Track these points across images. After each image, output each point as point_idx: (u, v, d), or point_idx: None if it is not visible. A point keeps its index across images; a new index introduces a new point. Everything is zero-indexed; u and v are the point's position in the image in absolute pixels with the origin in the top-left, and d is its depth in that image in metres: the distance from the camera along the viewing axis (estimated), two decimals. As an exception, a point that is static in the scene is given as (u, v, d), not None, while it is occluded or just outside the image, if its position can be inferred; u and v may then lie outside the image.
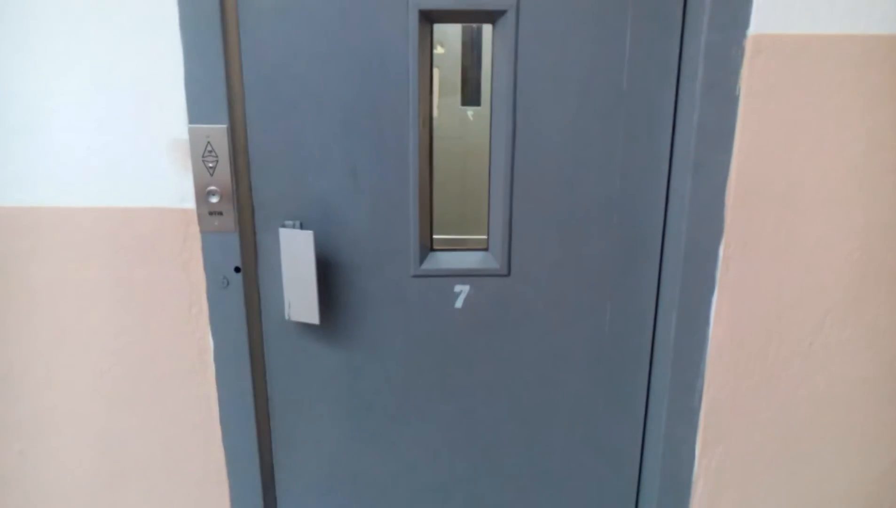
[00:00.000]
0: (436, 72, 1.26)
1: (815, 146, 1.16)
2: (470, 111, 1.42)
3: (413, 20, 1.15)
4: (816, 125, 1.15)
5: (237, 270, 1.25)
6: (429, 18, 1.19)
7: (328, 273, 1.29)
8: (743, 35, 1.09)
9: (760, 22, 1.09)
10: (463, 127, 1.41)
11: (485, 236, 1.29)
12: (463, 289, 1.28)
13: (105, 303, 1.30)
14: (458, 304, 1.29)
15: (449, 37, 1.29)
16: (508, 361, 1.32)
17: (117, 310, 1.30)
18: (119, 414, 1.36)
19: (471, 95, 1.40)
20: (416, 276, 1.28)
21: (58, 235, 1.26)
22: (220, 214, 1.22)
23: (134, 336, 1.31)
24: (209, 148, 1.19)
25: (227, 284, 1.25)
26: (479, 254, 1.28)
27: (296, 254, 1.22)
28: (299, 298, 1.25)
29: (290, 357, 1.34)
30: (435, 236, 1.31)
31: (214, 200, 1.21)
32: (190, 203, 1.23)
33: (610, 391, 1.34)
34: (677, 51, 1.17)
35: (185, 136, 1.19)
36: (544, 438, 1.37)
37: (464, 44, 1.33)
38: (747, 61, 1.11)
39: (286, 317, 1.27)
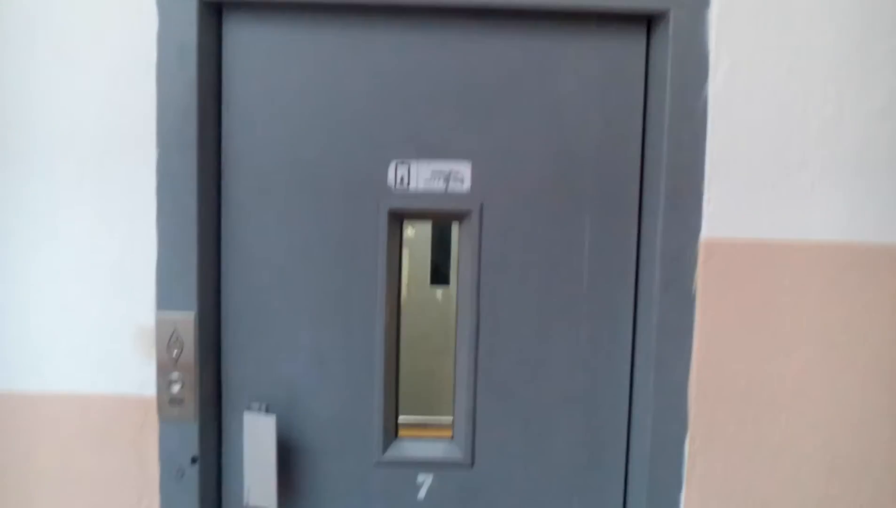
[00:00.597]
0: (405, 253, 1.30)
1: (771, 342, 1.19)
2: (439, 291, 1.46)
3: (383, 219, 1.21)
4: (771, 323, 1.19)
5: (193, 460, 1.21)
6: (398, 217, 1.24)
7: (291, 457, 1.26)
8: (696, 240, 1.15)
9: (711, 228, 1.16)
10: (431, 305, 1.44)
11: (451, 418, 1.27)
12: (426, 479, 1.25)
13: (50, 493, 1.23)
14: (421, 495, 1.25)
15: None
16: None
17: (62, 502, 1.24)
18: None
19: (440, 275, 1.44)
20: (379, 464, 1.25)
21: (9, 421, 1.22)
22: (181, 401, 1.20)
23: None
24: (175, 336, 1.19)
25: (182, 475, 1.21)
26: (443, 443, 1.26)
27: (258, 438, 1.20)
28: (259, 482, 1.20)
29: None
30: (401, 417, 1.29)
31: (176, 388, 1.20)
32: (150, 391, 1.21)
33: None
34: (634, 252, 1.23)
35: (152, 323, 1.20)
36: None
37: (433, 228, 1.39)
38: (701, 264, 1.16)
39: (245, 503, 1.21)
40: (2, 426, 1.22)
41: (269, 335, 1.24)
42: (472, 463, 1.25)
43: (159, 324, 1.18)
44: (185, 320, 1.18)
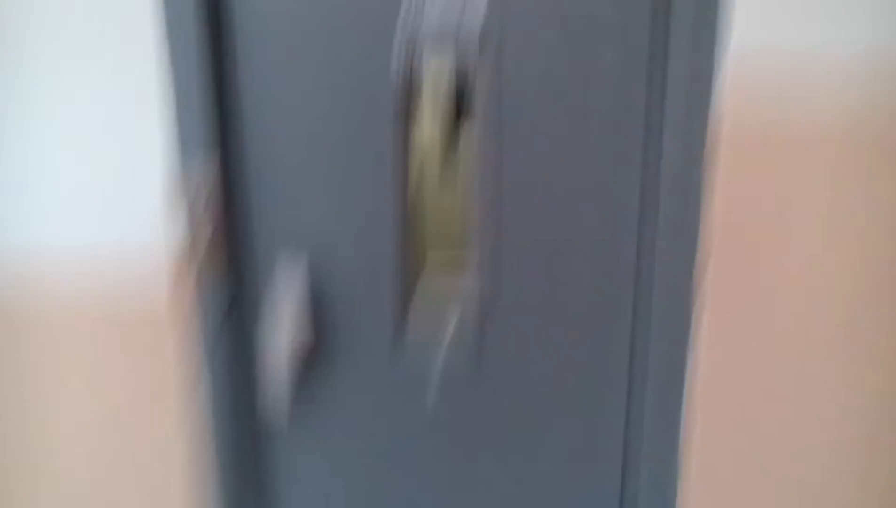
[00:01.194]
0: (426, 89, 1.26)
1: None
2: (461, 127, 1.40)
3: (400, 53, 1.18)
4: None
5: (228, 312, 1.24)
6: (414, 50, 1.20)
7: (323, 302, 1.29)
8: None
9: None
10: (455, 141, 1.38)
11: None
12: (453, 314, 1.29)
13: (89, 346, 1.28)
14: (448, 331, 1.29)
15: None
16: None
17: (100, 355, 1.29)
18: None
19: (461, 111, 1.39)
20: (406, 306, 1.29)
21: (38, 277, 1.25)
22: (209, 253, 1.22)
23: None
24: (200, 188, 1.19)
25: (218, 326, 1.25)
26: (467, 278, 1.29)
27: (290, 285, 1.24)
28: (293, 327, 1.24)
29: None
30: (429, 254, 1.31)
31: (203, 241, 1.21)
32: (178, 244, 1.22)
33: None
34: (661, 84, 1.19)
35: (177, 176, 1.19)
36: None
37: (452, 61, 1.34)
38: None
39: (280, 346, 1.24)
40: (33, 282, 1.25)
41: (291, 184, 1.24)
42: (497, 297, 1.27)
43: (185, 176, 1.18)
44: (209, 172, 1.18)
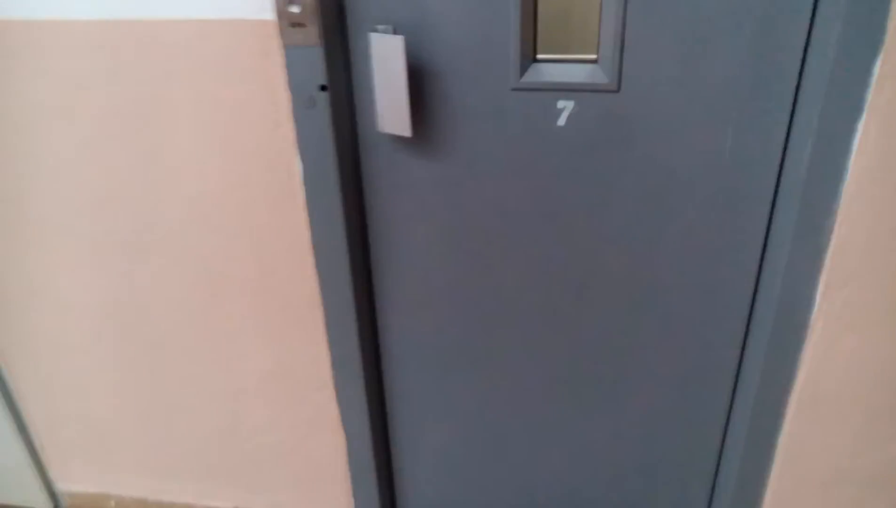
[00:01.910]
0: None
1: None
2: None
3: None
4: None
5: (323, 88, 1.16)
6: None
7: (423, 83, 1.19)
8: None
9: None
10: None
11: (594, 56, 1.14)
12: (567, 105, 1.16)
13: (190, 123, 1.25)
14: (561, 121, 1.17)
15: None
16: (614, 185, 1.21)
17: (202, 131, 1.26)
18: (212, 239, 1.37)
19: None
20: (516, 89, 1.16)
21: (134, 49, 1.20)
22: (303, 25, 1.11)
23: (220, 159, 1.28)
24: (287, -52, 1.06)
25: (314, 103, 1.18)
26: (587, 67, 1.14)
27: (387, 61, 1.12)
28: (391, 108, 1.16)
29: (384, 174, 1.29)
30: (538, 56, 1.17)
31: (295, 9, 1.10)
32: (269, 14, 1.13)
33: (725, 224, 1.22)
34: None
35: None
36: (649, 267, 1.28)
37: None
38: None
39: (378, 128, 1.19)
40: (124, 56, 1.20)
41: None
42: (619, 88, 1.13)
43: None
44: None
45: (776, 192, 1.17)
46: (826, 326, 1.20)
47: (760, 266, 1.24)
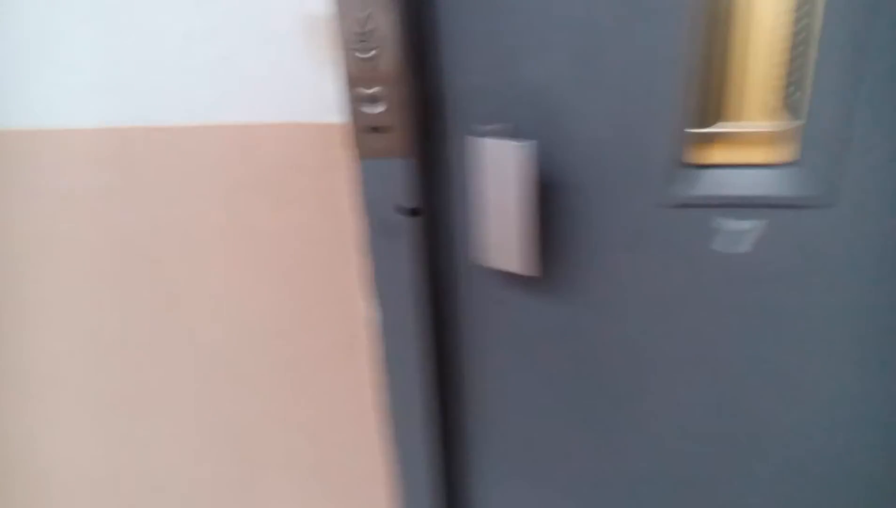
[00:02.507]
0: None
1: None
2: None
3: None
4: None
5: (412, 212, 0.84)
6: None
7: (546, 203, 0.87)
8: None
9: None
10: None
11: (768, 129, 0.82)
12: (740, 226, 0.84)
13: (227, 256, 0.93)
14: (734, 248, 0.85)
15: None
16: (808, 335, 0.88)
17: (244, 266, 0.94)
18: (249, 404, 1.03)
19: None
20: (672, 206, 0.84)
21: (154, 161, 0.89)
22: (387, 129, 0.80)
23: (263, 303, 0.95)
24: (368, 26, 0.76)
25: (396, 231, 0.86)
26: (778, 172, 0.82)
27: (503, 176, 0.80)
28: (505, 238, 0.84)
29: (485, 315, 0.96)
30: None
31: (377, 109, 0.79)
32: (335, 115, 0.82)
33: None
34: None
35: (328, 9, 0.78)
36: (845, 458, 0.94)
37: None
38: None
39: (484, 263, 0.87)
40: (146, 166, 0.90)
41: (508, 19, 0.79)
42: (831, 201, 0.81)
43: (342, 10, 0.76)
44: (381, 1, 0.75)
45: None
46: None
47: None
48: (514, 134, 0.82)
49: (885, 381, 0.88)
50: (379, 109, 0.80)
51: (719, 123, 0.85)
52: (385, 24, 0.76)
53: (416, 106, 0.81)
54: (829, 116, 0.76)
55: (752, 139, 0.88)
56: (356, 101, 0.80)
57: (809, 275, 0.84)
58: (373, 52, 0.77)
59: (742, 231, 0.84)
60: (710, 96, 0.84)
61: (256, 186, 0.89)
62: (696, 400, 0.95)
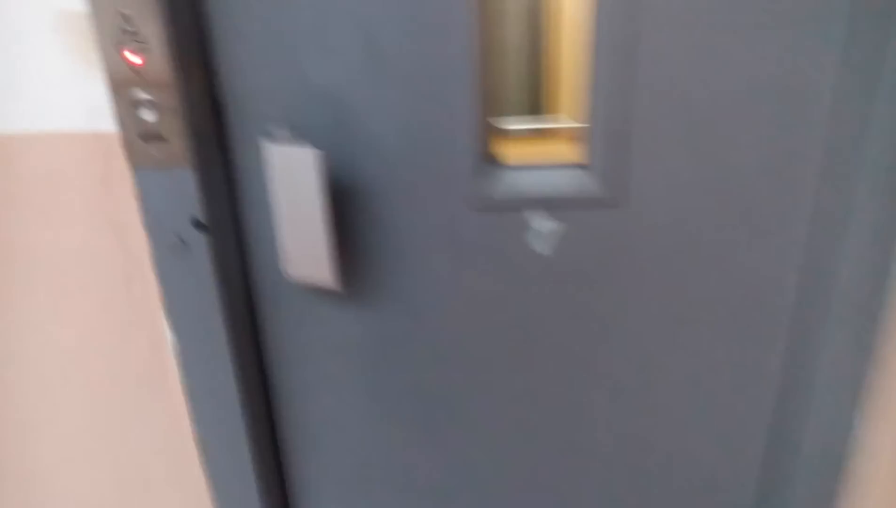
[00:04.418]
0: None
1: None
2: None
3: None
4: None
5: (199, 225, 0.78)
6: None
7: (344, 206, 0.84)
8: None
9: None
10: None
11: (567, 124, 0.84)
12: (545, 226, 0.85)
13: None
14: (540, 249, 0.86)
15: None
16: (610, 326, 0.91)
17: (23, 290, 0.83)
18: (55, 450, 0.92)
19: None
20: (475, 208, 0.83)
21: None
22: (163, 137, 0.73)
23: (50, 332, 0.85)
24: (129, 25, 0.69)
25: (184, 246, 0.79)
26: (572, 172, 0.84)
27: (293, 181, 0.76)
28: (303, 248, 0.79)
29: (295, 332, 0.91)
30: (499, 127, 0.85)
31: (151, 115, 0.72)
32: (107, 123, 0.74)
33: (741, 356, 0.94)
34: None
35: (79, 3, 0.69)
36: (651, 425, 0.98)
37: None
38: None
39: (285, 276, 0.82)
40: None
41: (289, 17, 0.74)
42: (621, 200, 0.83)
43: (98, 5, 0.68)
44: (142, -3, 0.68)
45: (799, 313, 0.91)
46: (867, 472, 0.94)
47: (782, 406, 0.97)
48: (306, 139, 0.78)
49: (686, 371, 0.93)
50: (152, 115, 0.72)
51: (522, 120, 0.85)
52: (151, 21, 0.68)
53: (194, 112, 0.74)
54: (609, 118, 0.78)
55: (557, 137, 0.89)
56: (126, 107, 0.72)
57: (610, 272, 0.87)
58: (140, 54, 0.70)
59: (547, 231, 0.85)
60: (510, 93, 0.84)
61: (15, 203, 0.79)
62: (522, 400, 0.95)
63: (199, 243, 0.79)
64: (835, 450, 0.91)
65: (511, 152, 0.85)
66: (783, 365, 0.93)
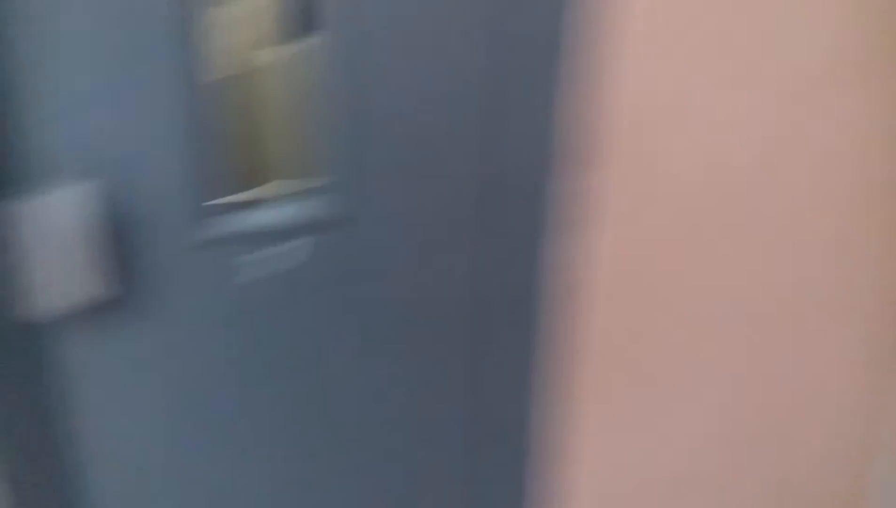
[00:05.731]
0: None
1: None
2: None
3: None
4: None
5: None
6: None
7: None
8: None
9: None
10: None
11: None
12: (269, 254, 0.98)
13: None
14: (267, 273, 1.00)
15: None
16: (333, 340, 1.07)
17: None
18: None
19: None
20: (194, 246, 0.95)
21: None
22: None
23: None
24: None
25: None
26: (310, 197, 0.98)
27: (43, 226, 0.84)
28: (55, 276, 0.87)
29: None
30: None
31: None
32: None
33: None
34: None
35: None
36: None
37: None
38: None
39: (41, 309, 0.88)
40: None
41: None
42: (351, 219, 0.99)
43: None
44: None
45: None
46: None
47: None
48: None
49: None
50: None
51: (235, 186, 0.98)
52: None
53: None
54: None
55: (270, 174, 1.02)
56: None
57: (343, 289, 1.03)
58: None
59: (268, 258, 0.98)
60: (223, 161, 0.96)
61: None
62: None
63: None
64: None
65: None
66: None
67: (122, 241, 0.92)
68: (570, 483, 1.21)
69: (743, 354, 1.22)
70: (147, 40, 0.85)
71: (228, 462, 1.11)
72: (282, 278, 1.00)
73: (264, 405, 1.09)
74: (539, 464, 1.20)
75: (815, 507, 1.45)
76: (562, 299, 1.08)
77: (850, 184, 1.16)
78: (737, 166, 1.08)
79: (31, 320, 0.91)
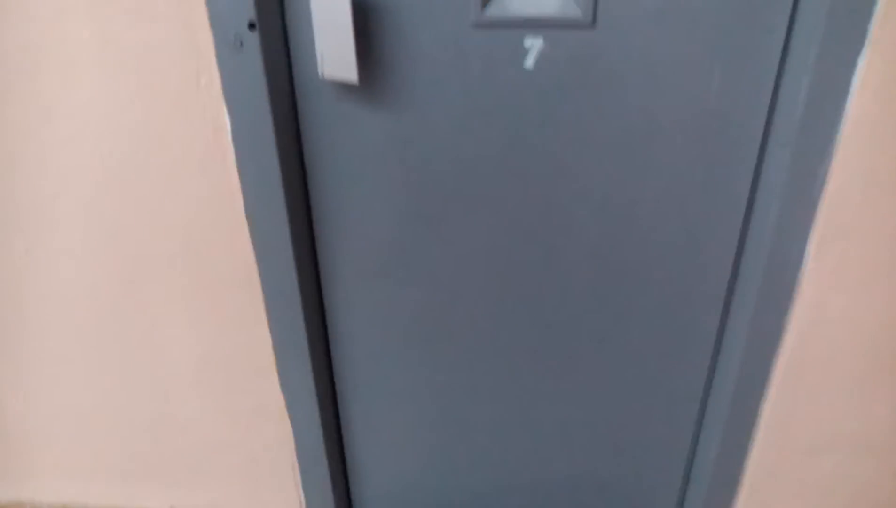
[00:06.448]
0: None
1: None
2: None
3: None
4: None
5: (251, 26, 0.98)
6: None
7: (370, 19, 1.03)
8: None
9: None
10: None
11: None
12: (534, 43, 1.02)
13: (95, 71, 1.06)
14: (529, 63, 1.03)
15: None
16: (587, 135, 1.08)
17: (111, 79, 1.06)
18: (131, 207, 1.18)
19: None
20: (477, 25, 1.01)
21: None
22: (225, -51, 0.94)
23: (134, 115, 1.09)
24: None
25: (241, 44, 1.00)
26: None
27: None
28: (334, 50, 1.00)
29: (327, 127, 1.12)
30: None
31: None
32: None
33: (710, 174, 1.10)
34: None
35: None
36: (625, 225, 1.16)
37: None
38: None
39: (320, 74, 1.03)
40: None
41: None
42: (594, 21, 0.99)
43: None
44: None
45: (766, 136, 1.06)
46: (817, 284, 1.10)
47: (747, 220, 1.14)
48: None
49: (640, 175, 1.10)
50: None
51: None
52: None
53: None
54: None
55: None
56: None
57: (581, 86, 1.04)
58: None
59: (530, 48, 1.02)
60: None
61: (114, 3, 1.01)
62: (509, 201, 1.16)
63: (253, 42, 1.01)
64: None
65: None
66: (748, 179, 1.09)
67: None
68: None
69: None
70: None
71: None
72: (538, 69, 1.01)
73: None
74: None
75: None
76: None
77: None
78: None
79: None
